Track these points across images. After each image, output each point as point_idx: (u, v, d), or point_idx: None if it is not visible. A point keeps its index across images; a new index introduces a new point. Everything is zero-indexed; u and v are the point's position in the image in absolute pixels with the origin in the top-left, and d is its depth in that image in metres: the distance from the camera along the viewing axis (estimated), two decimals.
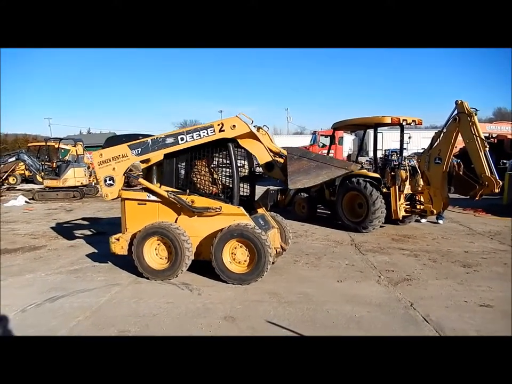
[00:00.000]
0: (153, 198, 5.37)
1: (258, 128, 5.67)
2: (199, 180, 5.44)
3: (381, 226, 8.45)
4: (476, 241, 7.53)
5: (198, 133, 5.01)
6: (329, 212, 10.28)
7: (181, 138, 5.06)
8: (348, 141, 31.76)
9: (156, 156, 5.31)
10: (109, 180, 5.33)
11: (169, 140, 5.09)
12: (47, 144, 17.22)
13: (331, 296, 4.63)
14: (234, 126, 4.92)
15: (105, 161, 5.31)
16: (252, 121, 5.26)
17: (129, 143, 5.28)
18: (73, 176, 15.47)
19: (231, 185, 5.31)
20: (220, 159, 5.54)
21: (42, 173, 15.82)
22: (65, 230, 8.99)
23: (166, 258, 5.29)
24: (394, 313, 4.11)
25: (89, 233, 8.66)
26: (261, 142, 5.15)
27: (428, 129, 41.47)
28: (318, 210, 10.32)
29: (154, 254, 5.31)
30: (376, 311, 4.18)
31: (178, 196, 5.17)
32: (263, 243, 4.83)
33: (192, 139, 5.03)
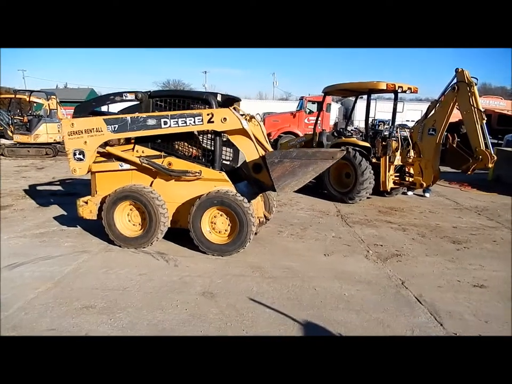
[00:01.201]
0: (126, 166, 4.85)
1: (251, 117, 5.11)
2: (178, 141, 4.93)
3: (367, 198, 8.18)
4: (463, 216, 7.35)
5: (184, 119, 4.47)
6: (314, 181, 9.93)
7: (164, 122, 4.50)
8: (334, 109, 31.26)
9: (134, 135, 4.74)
10: (79, 154, 4.78)
11: (150, 122, 4.53)
12: (17, 96, 16.03)
13: (318, 271, 4.33)
14: (225, 119, 4.42)
15: (76, 132, 4.73)
16: (243, 115, 4.72)
17: (105, 117, 4.70)
18: (46, 132, 14.49)
19: (212, 148, 4.82)
20: None
21: (12, 127, 14.79)
22: (34, 190, 8.38)
23: (139, 224, 4.85)
24: (385, 292, 3.85)
25: (59, 193, 8.08)
26: (251, 139, 4.61)
27: (412, 101, 41.31)
28: None
29: (126, 220, 4.86)
30: (366, 289, 3.91)
31: (153, 160, 4.67)
32: (245, 211, 4.43)
33: (177, 125, 4.49)
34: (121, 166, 4.86)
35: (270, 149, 5.05)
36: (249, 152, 4.68)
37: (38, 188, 8.63)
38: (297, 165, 4.23)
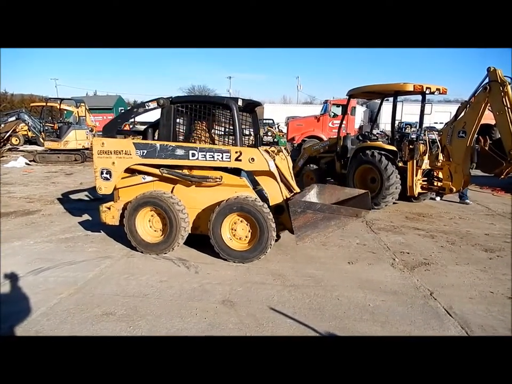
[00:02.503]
0: (148, 178, 4.87)
1: (279, 151, 5.09)
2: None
3: (393, 203, 7.93)
4: (496, 223, 7.00)
5: (212, 154, 4.46)
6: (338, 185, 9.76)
7: (192, 154, 4.50)
8: (359, 112, 30.77)
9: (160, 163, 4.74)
10: (106, 173, 4.83)
11: (179, 152, 4.54)
12: (48, 104, 16.61)
13: (341, 280, 4.19)
14: (253, 159, 4.39)
15: (105, 152, 4.77)
16: (274, 159, 4.66)
17: (135, 141, 4.76)
18: (75, 139, 14.93)
19: None
20: (223, 124, 5.00)
21: (43, 134, 15.32)
22: (62, 195, 8.60)
23: (160, 230, 4.86)
24: (412, 304, 3.67)
25: (86, 199, 8.26)
26: (277, 181, 4.58)
27: (440, 102, 40.04)
28: (327, 183, 9.80)
29: (148, 226, 4.88)
30: (392, 300, 3.74)
31: (173, 169, 4.68)
32: (265, 217, 4.36)
33: (204, 159, 4.49)
34: (144, 179, 4.89)
35: (295, 186, 5.03)
36: (273, 194, 4.63)
37: (66, 193, 8.85)
38: (319, 218, 4.14)
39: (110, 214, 4.95)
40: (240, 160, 4.42)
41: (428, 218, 7.22)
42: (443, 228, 6.56)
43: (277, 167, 4.62)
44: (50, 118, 17.03)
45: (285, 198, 4.61)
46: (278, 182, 4.60)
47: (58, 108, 16.87)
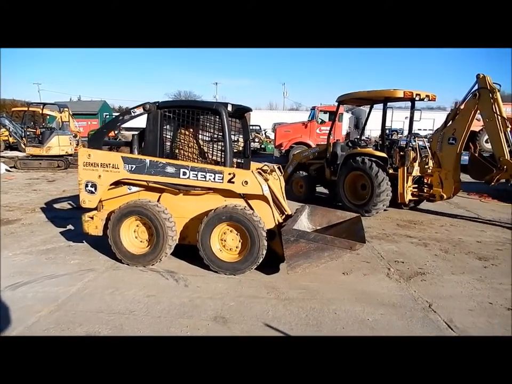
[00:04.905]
0: (134, 189, 4.67)
1: (272, 171, 4.98)
2: (185, 153, 4.72)
3: (384, 210, 7.86)
4: (486, 229, 6.97)
5: (203, 174, 4.32)
6: (328, 193, 9.67)
7: (183, 172, 4.35)
8: (346, 119, 30.97)
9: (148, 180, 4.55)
10: (91, 186, 4.59)
11: (169, 169, 4.37)
12: (30, 109, 16.17)
13: (337, 292, 4.05)
14: (246, 182, 4.27)
15: (92, 164, 4.55)
16: (267, 179, 4.59)
17: (124, 155, 4.52)
18: (58, 145, 14.50)
19: (222, 160, 4.59)
20: (211, 130, 4.82)
21: (25, 140, 14.86)
22: (43, 203, 8.27)
23: (146, 240, 4.64)
24: (412, 317, 3.54)
25: (69, 207, 7.96)
26: (270, 206, 4.48)
27: (423, 109, 40.48)
28: (317, 190, 9.69)
29: (133, 237, 4.65)
30: (390, 313, 3.61)
31: None
32: (256, 225, 4.21)
33: (196, 178, 4.34)
34: (129, 190, 4.69)
35: (286, 207, 4.90)
36: (265, 219, 4.43)
37: (48, 201, 8.51)
38: (313, 247, 4.02)
39: (93, 224, 4.70)
40: (233, 183, 4.30)
41: (419, 225, 7.16)
42: (435, 235, 6.49)
43: (269, 187, 4.50)
44: (32, 123, 16.57)
45: (276, 223, 4.49)
46: (270, 206, 4.49)
47: (40, 112, 16.45)
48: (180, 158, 4.69)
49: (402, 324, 3.41)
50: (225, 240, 4.47)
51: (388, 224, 7.21)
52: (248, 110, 5.43)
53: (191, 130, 4.76)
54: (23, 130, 15.48)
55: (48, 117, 17.87)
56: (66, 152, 14.88)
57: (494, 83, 6.54)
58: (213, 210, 4.34)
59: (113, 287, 4.01)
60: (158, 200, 4.60)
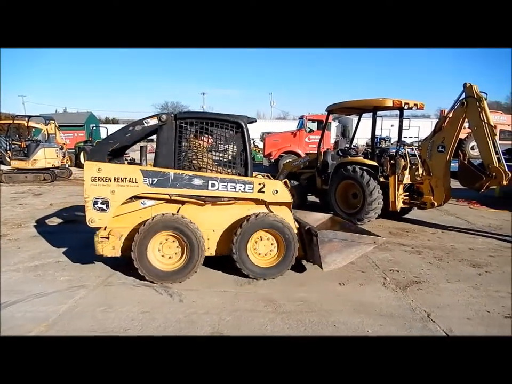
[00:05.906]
0: (149, 203, 4.44)
1: (285, 182, 5.02)
2: (203, 164, 4.57)
3: (375, 218, 7.87)
4: (478, 236, 7.04)
5: (233, 185, 4.33)
6: (319, 202, 9.66)
7: (211, 184, 4.29)
8: (333, 127, 31.25)
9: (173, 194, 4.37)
10: (101, 203, 4.19)
11: (197, 181, 4.26)
12: (15, 122, 15.90)
13: (335, 303, 3.99)
14: (276, 191, 4.39)
15: (102, 179, 4.16)
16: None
17: (143, 168, 4.28)
18: (44, 157, 14.25)
19: (231, 170, 4.57)
20: (229, 141, 4.67)
21: (10, 153, 14.57)
22: (30, 217, 8.06)
23: (173, 257, 4.43)
24: (411, 327, 3.50)
25: (56, 221, 7.77)
26: (291, 211, 4.77)
27: (407, 117, 41.09)
28: (308, 199, 9.68)
29: (160, 254, 4.42)
30: (390, 324, 3.56)
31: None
32: (291, 231, 4.50)
33: (225, 189, 4.32)
34: (143, 204, 4.44)
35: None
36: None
37: (35, 215, 8.31)
38: (343, 245, 4.40)
39: (109, 245, 4.38)
40: (263, 192, 4.38)
41: (411, 233, 7.19)
42: (428, 243, 6.51)
43: None
44: (17, 136, 16.30)
45: (306, 229, 4.61)
46: (291, 212, 4.67)
47: (26, 125, 16.19)
48: (195, 169, 4.54)
49: (402, 334, 3.37)
50: (256, 249, 4.61)
51: (380, 232, 7.17)
52: (253, 121, 5.39)
53: (207, 141, 4.70)
54: (8, 143, 15.20)
55: (34, 129, 17.60)
56: (52, 165, 14.64)
57: (480, 92, 6.64)
58: (245, 221, 4.39)
59: (106, 304, 3.89)
60: (177, 212, 4.45)
